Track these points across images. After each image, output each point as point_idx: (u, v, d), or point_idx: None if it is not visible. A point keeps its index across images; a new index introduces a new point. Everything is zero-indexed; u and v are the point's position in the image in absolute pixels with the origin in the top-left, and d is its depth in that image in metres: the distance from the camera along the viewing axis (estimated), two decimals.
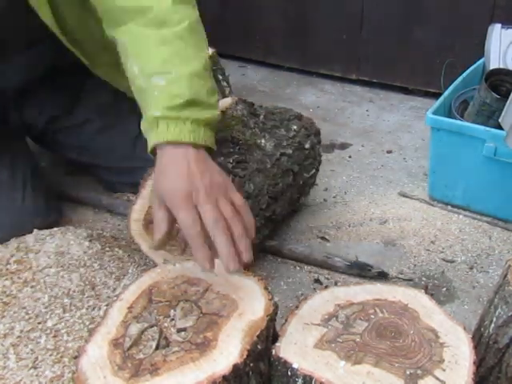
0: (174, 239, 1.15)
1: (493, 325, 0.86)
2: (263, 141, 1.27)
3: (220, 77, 1.95)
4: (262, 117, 1.34)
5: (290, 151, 1.32)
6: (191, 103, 0.90)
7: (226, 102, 1.34)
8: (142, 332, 0.79)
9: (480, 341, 0.89)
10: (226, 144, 1.17)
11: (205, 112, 0.92)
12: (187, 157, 0.87)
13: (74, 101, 1.45)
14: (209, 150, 0.93)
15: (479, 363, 0.88)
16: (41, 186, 1.39)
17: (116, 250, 1.30)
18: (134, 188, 1.29)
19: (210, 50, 1.93)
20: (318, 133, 1.46)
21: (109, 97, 1.43)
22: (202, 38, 1.02)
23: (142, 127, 0.95)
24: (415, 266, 1.31)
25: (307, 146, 1.39)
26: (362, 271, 1.25)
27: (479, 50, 1.75)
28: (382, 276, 1.25)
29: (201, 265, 0.83)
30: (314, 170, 1.43)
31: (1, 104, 1.40)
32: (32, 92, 1.41)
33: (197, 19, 1.02)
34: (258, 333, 0.76)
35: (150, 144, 0.91)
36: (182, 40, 0.96)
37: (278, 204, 1.26)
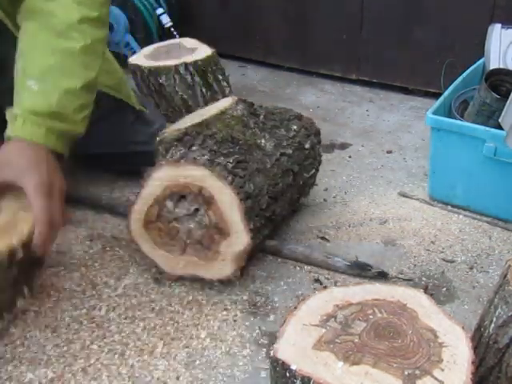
0: (174, 239, 1.16)
1: (493, 325, 0.86)
2: (263, 141, 1.27)
3: (220, 77, 1.95)
4: (262, 117, 1.34)
5: (290, 151, 1.31)
6: (52, 115, 0.99)
7: (226, 102, 1.34)
8: None
9: (480, 341, 0.89)
10: (226, 144, 1.17)
11: (63, 125, 1.01)
12: (29, 151, 0.96)
13: None
14: (60, 154, 1.04)
15: (479, 363, 0.88)
16: None
17: (116, 249, 1.30)
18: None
19: (210, 50, 1.94)
20: (317, 133, 1.46)
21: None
22: (96, 59, 1.08)
23: (6, 115, 1.01)
24: (415, 266, 1.31)
25: (307, 145, 1.39)
26: (362, 271, 1.25)
27: (479, 50, 1.75)
28: (382, 276, 1.25)
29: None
30: (313, 170, 1.43)
31: None
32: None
33: (98, 40, 1.07)
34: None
35: (7, 132, 0.99)
36: (71, 57, 1.02)
37: (277, 204, 1.26)
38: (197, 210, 1.13)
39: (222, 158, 1.14)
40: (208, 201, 1.10)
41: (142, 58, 1.94)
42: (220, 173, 1.09)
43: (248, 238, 1.11)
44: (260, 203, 1.17)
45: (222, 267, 1.15)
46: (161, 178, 1.12)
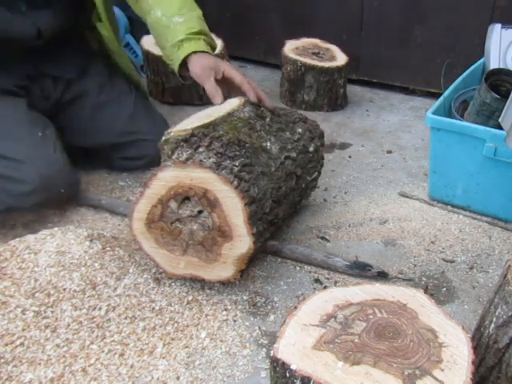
0: (176, 239, 1.16)
1: (493, 325, 0.86)
2: (269, 144, 1.25)
3: None
4: (268, 119, 1.32)
5: (294, 154, 1.30)
6: (200, 32, 1.37)
7: (233, 104, 1.31)
8: None
9: (480, 341, 0.90)
10: (232, 147, 1.15)
11: (207, 38, 1.39)
12: (207, 56, 1.33)
13: (86, 63, 1.60)
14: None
15: (479, 363, 0.88)
16: (64, 151, 1.48)
17: (117, 249, 1.30)
18: (142, 161, 1.59)
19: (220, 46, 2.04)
20: (321, 135, 1.45)
21: (105, 76, 1.62)
22: None
23: (165, 54, 1.38)
24: (415, 266, 1.31)
25: (311, 149, 1.37)
26: (362, 271, 1.25)
27: (479, 50, 1.75)
28: (382, 276, 1.25)
29: (215, 102, 1.29)
30: (316, 173, 1.42)
31: (23, 69, 1.49)
32: (49, 54, 1.52)
33: None
34: None
35: (181, 57, 1.32)
36: None
37: (280, 208, 1.25)
38: (200, 211, 1.12)
39: (229, 162, 1.12)
40: (212, 203, 1.09)
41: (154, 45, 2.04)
42: (226, 177, 1.08)
43: (251, 241, 1.10)
44: (264, 207, 1.16)
45: (223, 269, 1.14)
46: (166, 178, 1.11)
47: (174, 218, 1.14)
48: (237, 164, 1.13)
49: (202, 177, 1.08)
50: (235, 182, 1.08)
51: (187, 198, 1.12)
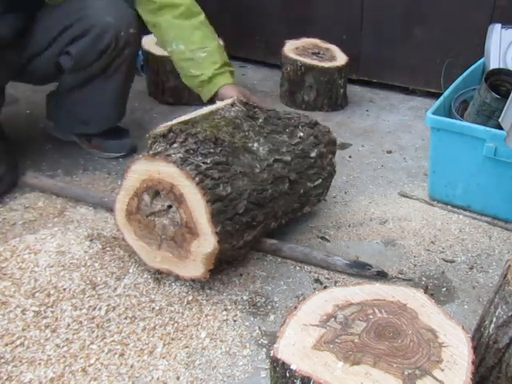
0: (151, 233, 1.17)
1: (493, 325, 0.86)
2: (256, 145, 1.24)
3: None
4: (260, 120, 1.31)
5: (287, 158, 1.28)
6: (224, 64, 1.55)
7: (223, 103, 1.35)
8: None
9: (480, 341, 0.89)
10: (207, 144, 1.16)
11: (230, 67, 1.58)
12: (234, 85, 1.54)
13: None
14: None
15: (479, 363, 0.88)
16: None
17: (117, 249, 1.30)
18: (88, 38, 1.51)
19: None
20: (331, 142, 1.40)
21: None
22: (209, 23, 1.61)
23: (189, 83, 1.58)
24: (415, 266, 1.31)
25: (313, 154, 1.34)
26: (361, 270, 1.25)
27: (479, 50, 1.75)
28: (382, 275, 1.25)
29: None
30: (319, 180, 1.37)
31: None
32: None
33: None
34: None
35: (214, 90, 1.53)
36: (205, 25, 1.57)
37: (262, 211, 1.22)
38: (170, 206, 1.13)
39: (200, 158, 1.12)
40: (179, 199, 1.10)
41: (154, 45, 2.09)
42: (188, 172, 1.08)
43: (215, 240, 1.09)
44: (237, 207, 1.14)
45: (193, 267, 1.14)
46: (138, 171, 1.14)
47: (148, 212, 1.16)
48: (208, 161, 1.13)
49: (167, 171, 1.10)
50: (197, 178, 1.08)
51: (158, 192, 1.14)
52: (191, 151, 1.14)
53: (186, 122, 1.21)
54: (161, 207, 1.14)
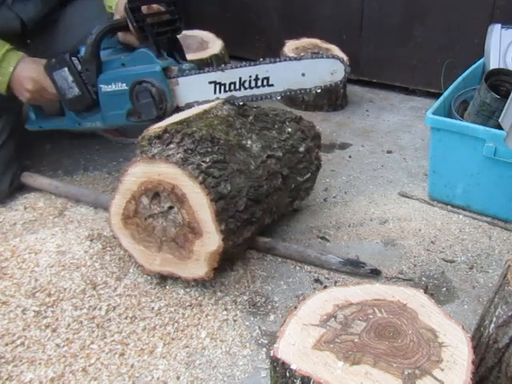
0: (151, 236, 1.17)
1: (493, 325, 0.86)
2: (249, 142, 1.25)
3: None
4: (251, 118, 1.32)
5: (279, 154, 1.29)
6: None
7: (215, 102, 1.33)
8: None
9: (480, 341, 0.89)
10: (204, 143, 1.16)
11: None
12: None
13: None
14: None
15: (479, 363, 0.88)
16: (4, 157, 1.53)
17: (117, 249, 1.30)
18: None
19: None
20: (316, 136, 1.43)
21: None
22: None
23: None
24: (415, 266, 1.31)
25: (301, 149, 1.36)
26: (355, 268, 1.25)
27: (479, 50, 1.75)
28: (375, 273, 1.25)
29: None
30: (308, 174, 1.40)
31: None
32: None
33: None
34: None
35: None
36: None
37: (259, 207, 1.23)
38: (171, 207, 1.13)
39: (199, 157, 1.13)
40: (180, 199, 1.10)
41: None
42: (191, 172, 1.08)
43: (220, 238, 1.10)
44: (237, 205, 1.15)
45: (196, 267, 1.14)
46: (136, 174, 1.13)
47: (147, 214, 1.15)
48: (207, 160, 1.13)
49: (168, 172, 1.10)
50: (200, 178, 1.08)
51: (158, 194, 1.13)
52: (189, 151, 1.14)
53: (180, 122, 1.21)
54: (161, 209, 1.14)
